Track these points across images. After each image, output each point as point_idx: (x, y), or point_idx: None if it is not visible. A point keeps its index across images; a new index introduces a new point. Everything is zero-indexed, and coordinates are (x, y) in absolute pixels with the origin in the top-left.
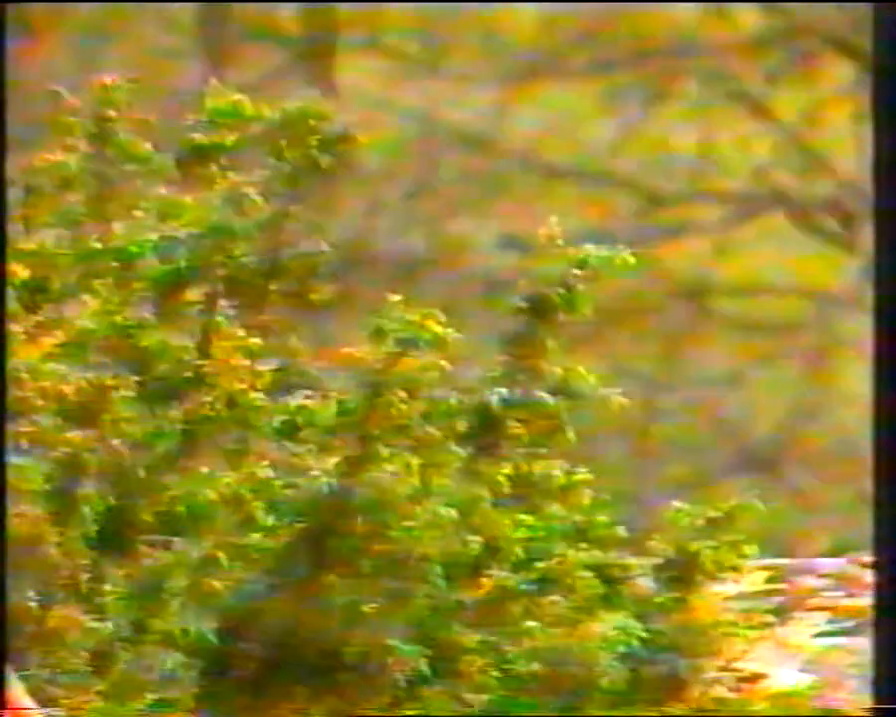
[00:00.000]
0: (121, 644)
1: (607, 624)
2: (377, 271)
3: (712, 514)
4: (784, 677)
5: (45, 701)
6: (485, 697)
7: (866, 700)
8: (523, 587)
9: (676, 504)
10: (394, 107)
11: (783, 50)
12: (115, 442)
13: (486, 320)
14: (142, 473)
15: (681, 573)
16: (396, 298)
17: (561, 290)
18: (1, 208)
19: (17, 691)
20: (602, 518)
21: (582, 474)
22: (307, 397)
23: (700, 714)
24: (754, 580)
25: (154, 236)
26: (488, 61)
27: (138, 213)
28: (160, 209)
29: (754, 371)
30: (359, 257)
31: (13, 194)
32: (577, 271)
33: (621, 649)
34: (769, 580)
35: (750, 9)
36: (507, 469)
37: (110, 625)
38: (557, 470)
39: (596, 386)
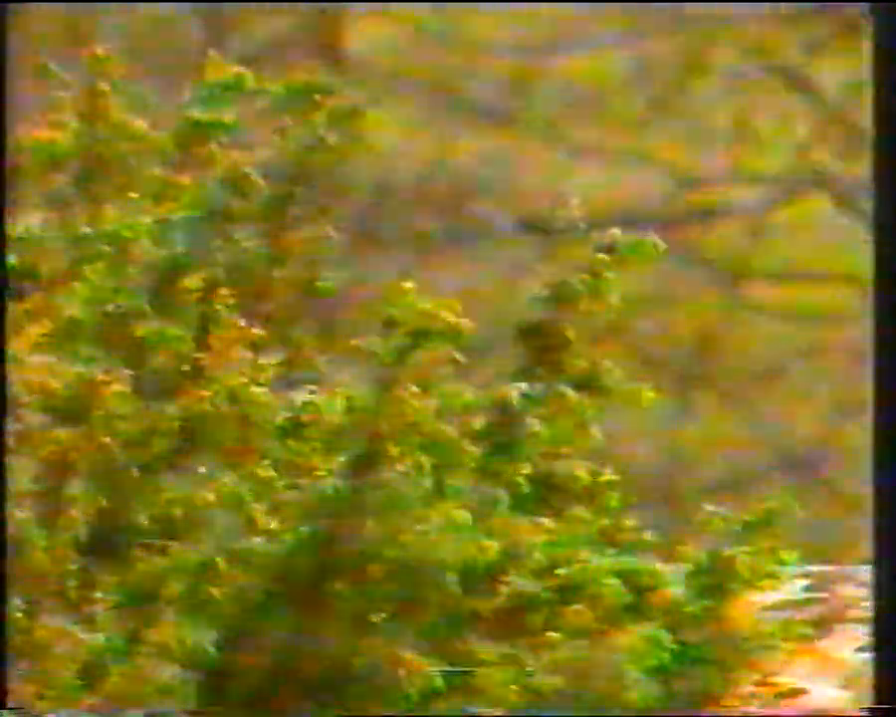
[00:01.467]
0: (114, 656)
1: (635, 635)
2: (388, 257)
3: (748, 518)
4: (824, 692)
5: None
6: (503, 712)
7: None
8: (544, 595)
9: (709, 507)
10: (407, 79)
11: (825, 20)
12: (107, 440)
13: (504, 308)
14: (136, 473)
15: (715, 580)
16: (408, 285)
17: (586, 277)
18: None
19: None
20: (630, 522)
21: (608, 475)
22: (312, 392)
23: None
24: (792, 588)
25: (149, 219)
26: (507, 28)
27: (132, 195)
28: (156, 190)
29: (794, 364)
30: (369, 241)
31: None
32: (604, 256)
33: (650, 662)
34: (808, 588)
35: None
36: (526, 469)
37: (101, 636)
38: (580, 470)
39: (623, 380)
